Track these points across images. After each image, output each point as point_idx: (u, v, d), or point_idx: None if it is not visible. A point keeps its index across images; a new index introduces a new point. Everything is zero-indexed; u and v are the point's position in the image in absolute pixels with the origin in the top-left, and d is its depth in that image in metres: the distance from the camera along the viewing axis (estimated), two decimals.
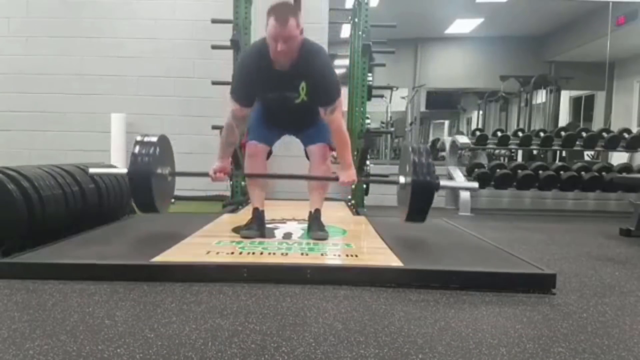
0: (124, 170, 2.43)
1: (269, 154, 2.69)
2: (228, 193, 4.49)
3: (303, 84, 2.34)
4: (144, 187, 2.37)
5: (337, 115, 2.39)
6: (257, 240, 2.45)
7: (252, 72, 2.32)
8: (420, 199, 2.29)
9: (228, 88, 2.43)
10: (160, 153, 2.47)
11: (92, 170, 2.59)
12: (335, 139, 2.47)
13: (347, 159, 2.48)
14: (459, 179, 4.92)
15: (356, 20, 4.50)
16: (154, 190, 2.38)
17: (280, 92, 2.38)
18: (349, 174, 2.48)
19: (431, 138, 10.47)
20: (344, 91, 4.99)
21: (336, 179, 2.49)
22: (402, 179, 2.45)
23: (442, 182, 2.34)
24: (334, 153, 2.59)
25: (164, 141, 2.58)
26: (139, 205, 2.44)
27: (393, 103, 8.68)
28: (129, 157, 2.42)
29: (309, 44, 2.30)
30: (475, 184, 2.77)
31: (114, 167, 3.46)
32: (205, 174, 2.50)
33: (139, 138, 2.47)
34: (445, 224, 3.27)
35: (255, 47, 2.41)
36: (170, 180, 2.63)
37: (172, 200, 2.81)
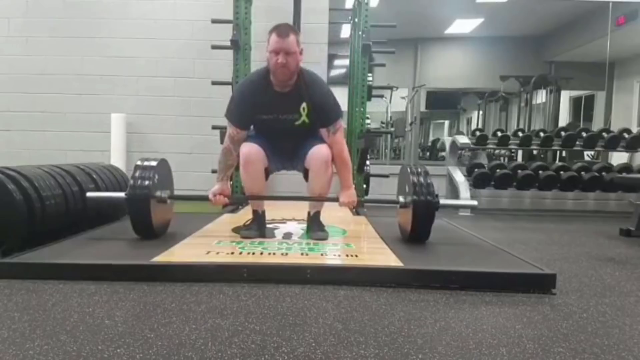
0: (122, 194, 2.41)
1: (267, 173, 2.57)
2: None
3: (304, 105, 2.37)
4: (142, 212, 2.36)
5: (340, 137, 2.44)
6: (257, 240, 2.45)
7: (251, 95, 2.36)
8: (422, 219, 2.35)
9: (228, 88, 2.44)
10: (159, 178, 2.47)
11: (89, 194, 2.56)
12: (336, 161, 2.48)
13: (347, 181, 2.52)
14: (459, 181, 4.92)
15: (356, 20, 4.50)
16: (152, 215, 2.38)
17: (280, 114, 2.39)
18: (349, 194, 2.50)
19: (431, 138, 10.48)
20: (344, 91, 5.02)
21: (336, 199, 2.51)
22: (401, 199, 2.51)
23: (442, 201, 2.41)
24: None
25: (163, 165, 2.58)
26: (137, 230, 2.41)
27: (393, 103, 8.69)
28: (129, 174, 2.42)
29: (309, 71, 2.42)
30: (475, 202, 2.85)
31: (115, 166, 3.46)
32: (205, 198, 2.51)
33: (138, 163, 2.48)
34: (445, 224, 3.27)
35: (254, 73, 2.52)
36: (169, 204, 2.62)
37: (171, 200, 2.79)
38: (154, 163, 2.49)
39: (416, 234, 2.42)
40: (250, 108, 2.40)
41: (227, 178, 2.55)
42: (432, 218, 2.38)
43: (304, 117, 2.39)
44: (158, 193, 2.45)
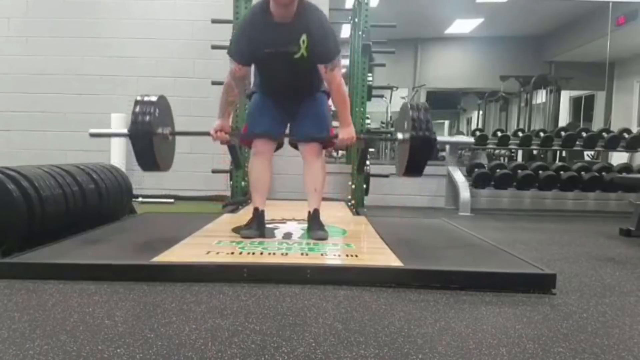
0: (125, 131, 2.44)
1: (279, 146, 2.70)
2: (228, 193, 4.50)
3: (304, 37, 2.34)
4: (145, 146, 2.38)
5: (337, 74, 2.44)
6: (257, 240, 2.45)
7: (252, 27, 2.35)
8: (418, 154, 2.38)
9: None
10: (160, 113, 2.47)
11: (92, 130, 2.58)
12: (335, 98, 2.51)
13: (346, 118, 2.54)
14: (459, 181, 4.92)
15: (356, 20, 4.50)
16: (155, 150, 2.39)
17: (280, 47, 2.37)
18: (348, 131, 2.52)
19: None
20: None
21: (335, 137, 2.53)
22: (399, 136, 2.52)
23: (440, 138, 2.42)
24: (330, 150, 2.61)
25: (163, 101, 2.58)
26: (142, 165, 2.45)
27: (393, 103, 8.68)
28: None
29: (310, 2, 2.38)
30: (471, 139, 2.88)
31: (115, 166, 3.46)
32: (207, 133, 2.53)
33: (138, 98, 2.48)
34: (445, 224, 3.27)
35: (255, 5, 2.48)
36: (171, 140, 2.63)
37: (172, 200, 2.80)
38: (154, 98, 2.49)
39: (411, 168, 2.44)
40: (250, 41, 2.37)
41: (228, 115, 2.56)
42: (429, 153, 2.41)
43: (302, 51, 2.36)
44: (160, 129, 2.47)
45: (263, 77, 2.58)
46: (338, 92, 2.48)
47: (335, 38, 2.43)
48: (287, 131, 2.66)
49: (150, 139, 2.39)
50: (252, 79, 2.69)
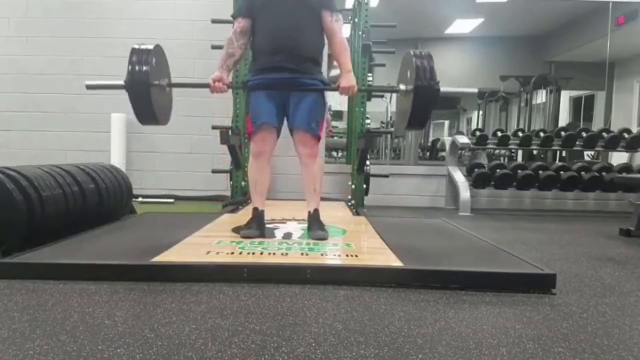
0: (121, 83, 2.37)
1: (278, 134, 2.63)
2: (228, 193, 4.50)
3: None
4: (143, 97, 2.34)
5: (340, 25, 2.52)
6: (257, 240, 2.45)
7: None
8: (422, 104, 2.32)
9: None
10: (156, 63, 2.43)
11: (88, 82, 2.54)
12: (336, 46, 2.53)
13: (346, 65, 2.54)
14: (459, 181, 4.92)
15: (356, 20, 4.50)
16: (153, 101, 2.35)
17: None
18: (348, 79, 2.51)
19: (431, 138, 10.47)
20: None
21: (336, 88, 2.53)
22: (402, 87, 2.48)
23: (443, 88, 2.39)
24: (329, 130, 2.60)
25: (159, 51, 2.55)
26: (140, 117, 2.41)
27: (393, 103, 8.68)
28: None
29: None
30: (475, 90, 2.84)
31: (115, 166, 3.46)
32: (205, 85, 2.51)
33: (135, 46, 2.43)
34: (445, 224, 3.27)
35: None
36: (168, 92, 2.60)
37: (172, 200, 2.79)
38: (150, 47, 2.45)
39: (415, 120, 2.39)
40: None
41: (227, 68, 2.56)
42: (432, 103, 2.34)
43: None
44: (157, 81, 2.43)
45: (263, 33, 2.52)
46: (339, 41, 2.52)
47: None
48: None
49: (148, 89, 2.33)
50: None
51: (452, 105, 10.63)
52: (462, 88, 8.93)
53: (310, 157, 2.58)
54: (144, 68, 2.34)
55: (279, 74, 2.48)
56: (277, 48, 2.47)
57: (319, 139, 2.60)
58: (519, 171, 5.04)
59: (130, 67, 2.34)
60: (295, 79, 2.49)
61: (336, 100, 6.76)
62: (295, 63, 2.46)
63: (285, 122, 2.62)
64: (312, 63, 2.53)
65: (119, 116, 4.98)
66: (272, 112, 2.54)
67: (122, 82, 2.36)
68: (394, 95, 8.66)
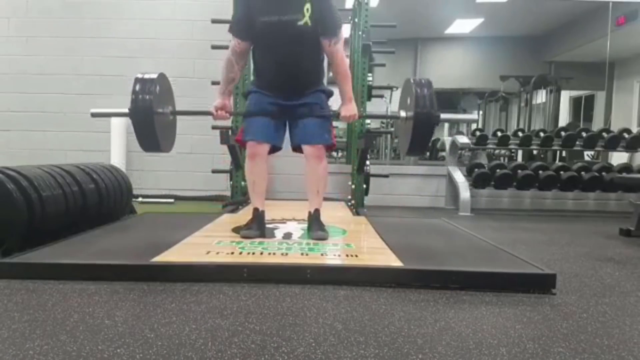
0: (125, 110, 2.40)
1: (276, 150, 2.62)
2: (228, 193, 4.50)
3: (308, 5, 2.31)
4: (147, 125, 2.35)
5: (340, 48, 2.42)
6: (257, 240, 2.45)
7: None
8: (422, 131, 2.35)
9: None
10: (160, 91, 2.44)
11: (93, 110, 2.56)
12: (337, 72, 2.48)
13: (348, 93, 2.50)
14: (459, 181, 4.92)
15: (356, 20, 4.50)
16: (157, 129, 2.36)
17: (283, 15, 2.32)
18: (350, 108, 2.49)
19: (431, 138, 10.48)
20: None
21: (337, 115, 2.51)
22: (402, 113, 2.48)
23: (443, 115, 2.41)
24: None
25: (163, 79, 2.55)
26: (143, 145, 2.41)
27: (393, 103, 8.67)
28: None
29: None
30: (475, 116, 2.86)
31: (115, 166, 3.46)
32: (208, 113, 2.50)
33: (139, 76, 2.44)
34: (445, 224, 3.27)
35: None
36: (172, 120, 2.60)
37: (172, 200, 2.79)
38: (154, 76, 2.46)
39: (415, 146, 2.42)
40: (250, 9, 2.34)
41: (229, 93, 2.53)
42: (432, 130, 2.38)
43: (306, 18, 2.32)
44: (160, 108, 2.43)
45: (263, 60, 2.51)
46: (340, 67, 2.45)
47: (337, 11, 2.41)
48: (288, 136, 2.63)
49: (151, 117, 2.35)
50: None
51: (452, 105, 10.63)
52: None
53: (319, 158, 2.56)
54: (148, 97, 2.37)
55: (280, 96, 2.50)
56: (278, 78, 2.50)
57: (332, 146, 2.61)
58: (519, 171, 5.04)
59: (133, 96, 2.37)
60: (296, 107, 2.50)
61: (336, 101, 6.75)
62: (295, 90, 2.51)
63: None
64: (313, 83, 2.54)
65: None
66: (269, 131, 2.52)
67: (126, 110, 2.39)
68: (394, 95, 8.66)
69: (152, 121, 2.35)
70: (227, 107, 2.50)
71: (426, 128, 2.34)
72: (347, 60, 2.54)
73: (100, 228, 2.77)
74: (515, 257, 2.21)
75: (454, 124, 11.36)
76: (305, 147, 2.56)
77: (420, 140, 2.39)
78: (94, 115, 2.53)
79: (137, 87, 2.38)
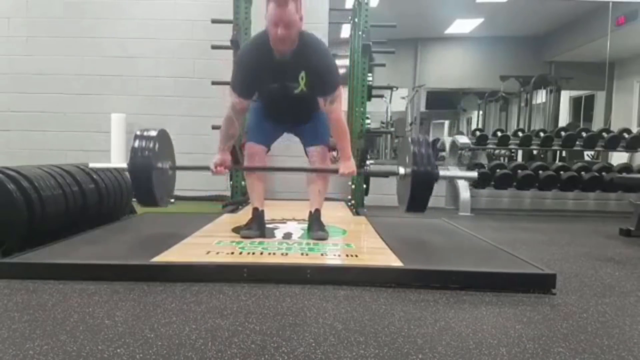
0: (124, 165, 2.44)
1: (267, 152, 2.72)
2: (228, 193, 4.50)
3: (303, 74, 2.32)
4: (144, 181, 2.37)
5: (337, 106, 2.39)
6: (257, 240, 2.45)
7: (252, 62, 2.30)
8: (420, 189, 2.33)
9: (228, 88, 2.42)
10: (160, 147, 2.47)
11: (92, 164, 2.60)
12: (334, 131, 2.47)
13: (346, 151, 2.50)
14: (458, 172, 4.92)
15: (356, 20, 4.50)
16: (154, 184, 2.38)
17: (281, 82, 2.36)
18: (348, 165, 2.49)
19: (431, 138, 10.48)
20: (344, 90, 5.01)
21: (336, 171, 2.50)
22: (401, 170, 2.48)
23: (442, 172, 2.38)
24: (334, 153, 2.59)
25: (163, 135, 2.58)
26: (140, 200, 2.45)
27: (393, 103, 8.67)
28: (129, 153, 2.43)
29: (309, 35, 2.30)
30: (474, 173, 2.82)
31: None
32: (206, 168, 2.50)
33: (138, 132, 2.48)
34: (445, 224, 3.27)
35: (255, 39, 2.39)
36: (171, 175, 2.62)
37: (172, 200, 2.80)
38: (154, 133, 2.48)
39: (415, 204, 2.40)
40: (252, 77, 2.35)
41: (228, 149, 2.53)
42: (431, 188, 2.35)
43: (302, 86, 2.35)
44: (159, 164, 2.46)
45: (264, 102, 2.58)
46: (337, 125, 2.44)
47: (335, 72, 2.38)
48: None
49: (150, 174, 2.39)
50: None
51: (452, 105, 10.63)
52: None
53: (321, 158, 2.59)
54: (147, 153, 2.40)
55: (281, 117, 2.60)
56: (279, 117, 2.60)
57: (334, 148, 2.66)
58: (519, 171, 5.04)
59: (132, 152, 2.40)
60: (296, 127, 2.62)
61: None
62: (296, 121, 2.62)
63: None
64: (313, 112, 2.58)
65: (119, 116, 4.98)
66: (269, 139, 2.64)
67: (125, 165, 2.44)
68: (394, 95, 8.65)
69: (150, 177, 2.39)
70: (226, 162, 2.51)
71: (425, 186, 2.34)
72: (345, 118, 2.52)
73: (100, 228, 2.77)
74: (515, 257, 2.21)
75: (453, 124, 11.38)
76: (308, 149, 2.61)
77: (420, 199, 2.38)
78: (92, 169, 2.59)
79: (137, 144, 2.42)
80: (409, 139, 2.44)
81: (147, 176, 2.38)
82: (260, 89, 2.44)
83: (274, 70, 2.31)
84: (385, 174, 2.83)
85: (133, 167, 2.39)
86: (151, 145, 2.42)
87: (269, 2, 2.16)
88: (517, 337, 1.40)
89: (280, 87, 2.38)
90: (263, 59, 2.28)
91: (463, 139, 5.37)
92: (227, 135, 2.48)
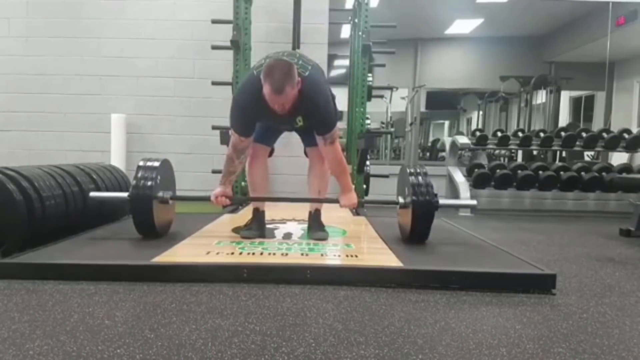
0: (125, 195, 2.46)
1: (271, 152, 2.72)
2: None
3: (300, 118, 2.32)
4: (144, 211, 2.39)
5: (336, 146, 2.39)
6: (257, 240, 2.45)
7: (249, 108, 2.27)
8: (421, 219, 2.36)
9: (228, 88, 2.42)
10: (161, 178, 2.49)
11: (93, 194, 2.61)
12: (333, 169, 2.49)
13: (346, 185, 2.53)
14: (459, 181, 4.92)
15: (356, 20, 4.50)
16: (154, 215, 2.40)
17: (280, 122, 2.41)
18: (350, 197, 2.51)
19: (431, 138, 10.48)
20: (344, 91, 5.02)
21: (337, 201, 2.52)
22: (400, 199, 2.52)
23: (442, 201, 2.42)
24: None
25: (165, 165, 2.59)
26: (139, 230, 2.44)
27: (393, 103, 8.68)
28: (130, 172, 2.44)
29: (307, 87, 2.19)
30: (474, 202, 2.86)
31: (115, 166, 3.46)
32: (207, 198, 2.51)
33: (141, 163, 2.50)
34: (445, 224, 3.27)
35: (250, 85, 2.27)
36: (171, 205, 2.63)
37: (170, 201, 2.80)
38: (156, 164, 2.50)
39: (416, 234, 2.42)
40: (250, 119, 2.35)
41: (230, 183, 2.53)
42: (431, 218, 2.38)
43: (300, 123, 2.36)
44: (160, 194, 2.47)
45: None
46: (337, 164, 2.45)
47: (333, 114, 2.35)
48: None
49: (150, 205, 2.40)
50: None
51: (452, 105, 10.64)
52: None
53: (322, 159, 2.55)
54: (149, 183, 2.41)
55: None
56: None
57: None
58: (519, 171, 5.04)
59: (134, 181, 2.42)
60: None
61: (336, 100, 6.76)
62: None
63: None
64: None
65: (119, 116, 4.97)
66: (270, 138, 2.64)
67: (125, 195, 2.45)
68: (394, 95, 8.65)
69: (150, 208, 2.40)
70: (227, 193, 2.50)
71: (425, 216, 2.36)
72: (343, 155, 2.50)
73: (100, 228, 2.77)
74: (515, 257, 2.21)
75: (453, 124, 11.38)
76: (309, 150, 2.61)
77: (422, 228, 2.40)
78: (92, 198, 2.60)
79: (139, 174, 2.43)
80: (407, 170, 2.48)
81: (147, 207, 2.39)
82: (260, 123, 2.46)
83: (272, 116, 2.26)
84: (385, 204, 2.83)
85: (134, 198, 2.39)
86: (153, 175, 2.43)
87: (264, 81, 2.09)
88: (517, 337, 1.40)
89: (281, 124, 2.46)
90: (260, 105, 2.20)
91: (463, 139, 5.37)
92: (228, 172, 2.48)
